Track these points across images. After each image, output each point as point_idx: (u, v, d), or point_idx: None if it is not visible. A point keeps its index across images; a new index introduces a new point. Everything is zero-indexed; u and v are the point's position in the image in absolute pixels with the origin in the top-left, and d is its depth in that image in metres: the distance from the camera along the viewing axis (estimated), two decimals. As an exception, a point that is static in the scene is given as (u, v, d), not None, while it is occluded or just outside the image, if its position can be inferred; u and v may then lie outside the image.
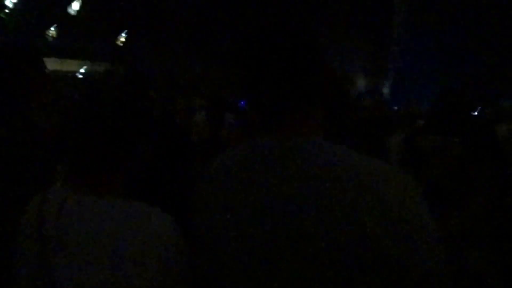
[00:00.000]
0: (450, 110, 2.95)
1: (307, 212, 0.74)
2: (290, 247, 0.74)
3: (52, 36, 18.77)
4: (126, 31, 17.99)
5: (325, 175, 0.75)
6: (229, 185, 0.87)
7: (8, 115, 1.78)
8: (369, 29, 14.46)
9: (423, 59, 14.43)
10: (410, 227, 0.69)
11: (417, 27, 14.52)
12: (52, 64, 19.18)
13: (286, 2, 14.67)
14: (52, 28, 18.77)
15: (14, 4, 16.11)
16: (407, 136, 3.24)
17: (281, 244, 0.75)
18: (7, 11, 16.01)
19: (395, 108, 13.51)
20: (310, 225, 0.72)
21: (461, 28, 13.57)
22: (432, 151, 2.80)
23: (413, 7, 14.44)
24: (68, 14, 18.08)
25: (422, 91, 14.13)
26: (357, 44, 14.30)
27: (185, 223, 1.01)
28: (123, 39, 18.07)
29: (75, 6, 17.86)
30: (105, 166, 1.12)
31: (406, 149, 3.09)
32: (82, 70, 18.92)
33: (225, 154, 0.99)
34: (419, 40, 14.40)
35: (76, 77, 18.44)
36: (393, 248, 0.68)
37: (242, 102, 16.60)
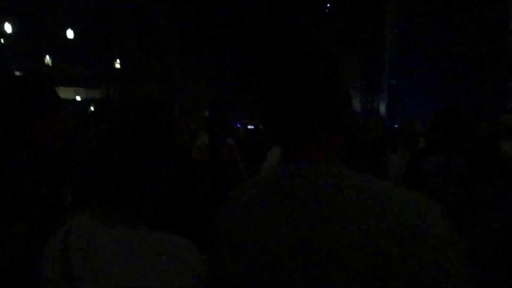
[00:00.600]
0: (451, 128, 2.86)
1: (336, 247, 0.71)
2: (320, 282, 0.72)
3: (47, 64, 18.91)
4: (120, 57, 18.06)
5: (349, 209, 0.72)
6: (254, 220, 0.84)
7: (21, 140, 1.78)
8: (362, 47, 14.57)
9: (417, 75, 14.43)
10: (435, 251, 0.67)
11: (410, 44, 14.61)
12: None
13: (279, 23, 14.82)
14: (47, 56, 18.91)
15: (12, 32, 16.28)
16: (410, 157, 3.07)
17: (311, 279, 0.73)
18: (2, 40, 16.15)
19: (396, 126, 13.43)
20: (339, 258, 0.71)
21: (454, 43, 13.64)
22: (435, 172, 2.69)
23: (405, 24, 14.60)
24: (63, 42, 18.23)
25: (419, 108, 14.09)
26: (350, 62, 14.30)
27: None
28: (118, 65, 18.12)
29: (70, 34, 18.05)
30: (134, 195, 1.07)
31: (409, 170, 2.90)
32: (78, 97, 18.89)
33: (245, 187, 0.93)
34: (413, 57, 14.45)
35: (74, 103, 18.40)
36: (420, 273, 0.66)
37: (238, 124, 16.53)
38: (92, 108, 19.33)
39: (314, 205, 0.75)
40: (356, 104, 15.34)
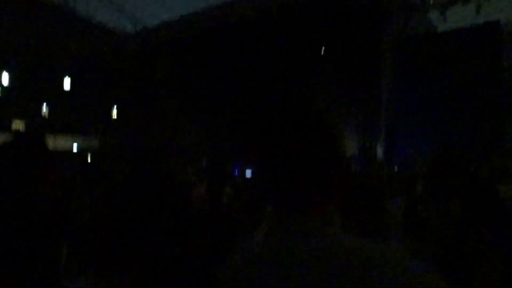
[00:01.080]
0: (449, 171, 2.80)
1: None
2: None
3: (44, 114, 18.91)
4: (116, 105, 18.16)
5: (337, 271, 0.76)
6: (258, 276, 0.86)
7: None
8: (358, 89, 14.72)
9: (414, 115, 14.49)
10: None
11: (405, 84, 14.76)
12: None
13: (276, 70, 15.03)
14: (44, 105, 18.95)
15: (8, 82, 16.40)
16: (408, 201, 3.02)
17: None
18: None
19: (395, 166, 13.32)
20: None
21: (449, 83, 13.78)
22: (434, 218, 2.65)
23: (400, 66, 14.80)
24: (60, 92, 18.34)
25: (417, 147, 14.04)
26: (347, 104, 14.45)
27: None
28: (114, 113, 18.18)
29: (66, 83, 18.19)
30: None
31: (407, 215, 2.88)
32: (74, 146, 18.82)
33: (246, 244, 0.98)
34: (409, 97, 14.55)
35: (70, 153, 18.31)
36: None
37: (236, 170, 16.38)
38: (89, 157, 19.26)
39: (305, 266, 0.78)
40: (354, 145, 15.32)
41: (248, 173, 12.33)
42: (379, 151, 15.29)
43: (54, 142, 18.86)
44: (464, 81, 13.89)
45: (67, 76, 17.61)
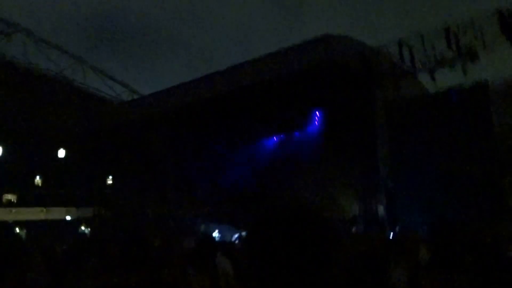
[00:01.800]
0: (452, 240, 2.99)
1: None
2: None
3: (37, 185, 18.63)
4: (112, 175, 17.96)
5: None
6: None
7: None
8: (357, 152, 14.86)
9: (412, 179, 14.48)
10: None
11: (402, 149, 14.89)
12: (36, 214, 18.71)
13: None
14: (37, 177, 18.69)
15: (1, 154, 16.24)
16: (412, 272, 3.04)
17: None
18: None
19: (396, 232, 13.06)
20: None
21: (444, 147, 13.94)
22: None
23: (395, 131, 15.04)
24: (54, 162, 18.15)
25: (417, 210, 13.92)
26: (347, 169, 14.55)
27: None
28: (110, 182, 17.93)
29: (61, 154, 18.02)
30: None
31: (412, 286, 2.90)
32: (68, 217, 18.33)
33: None
34: (406, 160, 14.63)
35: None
36: None
37: (236, 238, 15.98)
38: (83, 228, 18.73)
39: None
40: (355, 209, 15.16)
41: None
42: (380, 217, 15.14)
43: (47, 213, 18.38)
44: (457, 140, 14.09)
45: (62, 147, 17.55)
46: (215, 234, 14.55)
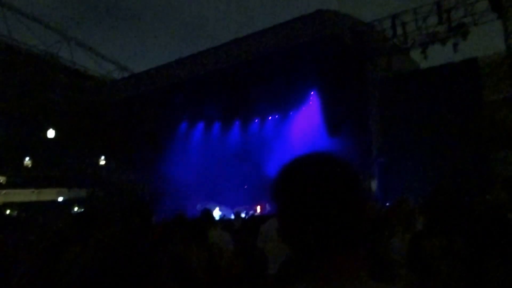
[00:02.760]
0: (447, 206, 2.93)
1: None
2: None
3: (27, 166, 18.27)
4: (104, 155, 17.75)
5: None
6: None
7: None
8: (349, 127, 15.09)
9: (404, 152, 14.84)
10: None
11: (394, 123, 15.19)
12: (27, 195, 18.40)
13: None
14: (27, 158, 18.34)
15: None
16: (411, 240, 3.12)
17: None
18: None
19: (387, 204, 13.40)
20: None
21: (435, 120, 14.27)
22: (438, 255, 2.75)
23: (387, 107, 15.30)
24: (44, 143, 17.82)
25: (410, 183, 14.25)
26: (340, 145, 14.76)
27: None
28: (102, 163, 17.73)
29: (51, 134, 17.70)
30: None
31: (412, 254, 2.97)
32: (60, 199, 18.12)
33: None
34: (398, 135, 14.95)
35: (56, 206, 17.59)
36: None
37: (225, 214, 16.14)
38: (76, 209, 18.53)
39: None
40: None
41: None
42: (373, 191, 15.51)
43: (38, 195, 18.13)
44: (448, 115, 14.44)
45: (51, 127, 17.21)
46: (215, 212, 14.76)
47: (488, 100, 14.77)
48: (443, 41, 14.54)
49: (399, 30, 14.80)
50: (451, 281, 2.67)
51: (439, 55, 14.95)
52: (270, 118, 18.18)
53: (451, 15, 14.31)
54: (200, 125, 18.87)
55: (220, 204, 15.74)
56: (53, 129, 17.55)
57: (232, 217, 12.51)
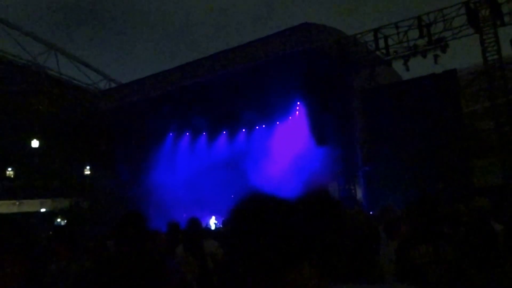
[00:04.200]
0: (433, 215, 3.02)
1: None
2: None
3: (9, 177, 18.00)
4: (89, 165, 17.61)
5: None
6: None
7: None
8: (335, 138, 15.39)
9: (388, 162, 15.15)
10: None
11: (377, 134, 15.54)
12: (8, 207, 18.02)
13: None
14: (9, 169, 18.06)
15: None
16: (399, 247, 3.19)
17: None
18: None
19: (371, 212, 13.61)
20: None
21: (416, 132, 14.66)
22: (426, 261, 2.83)
23: (370, 118, 15.67)
24: (27, 153, 17.59)
25: (394, 192, 14.49)
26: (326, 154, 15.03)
27: None
28: (87, 172, 17.57)
29: (35, 144, 17.50)
30: None
31: (399, 261, 3.05)
32: (43, 210, 17.80)
33: None
34: (382, 145, 15.29)
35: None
36: None
37: (218, 223, 16.14)
38: (59, 220, 18.23)
39: None
40: (333, 188, 15.63)
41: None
42: (359, 199, 15.76)
43: (20, 206, 17.82)
44: (429, 124, 14.85)
45: (35, 137, 17.03)
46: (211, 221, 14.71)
47: (467, 110, 15.32)
48: (423, 53, 15.07)
49: (382, 43, 15.28)
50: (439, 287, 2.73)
51: (420, 66, 15.48)
52: (256, 128, 18.38)
53: (431, 29, 14.88)
54: (187, 135, 18.94)
55: (206, 212, 15.74)
56: (38, 139, 17.35)
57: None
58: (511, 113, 13.96)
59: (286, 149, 16.30)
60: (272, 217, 0.95)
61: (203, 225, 12.50)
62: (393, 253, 3.24)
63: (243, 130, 18.58)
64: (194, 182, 17.11)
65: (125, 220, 2.65)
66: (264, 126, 18.14)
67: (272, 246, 0.91)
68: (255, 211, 0.97)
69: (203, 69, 16.14)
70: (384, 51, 15.43)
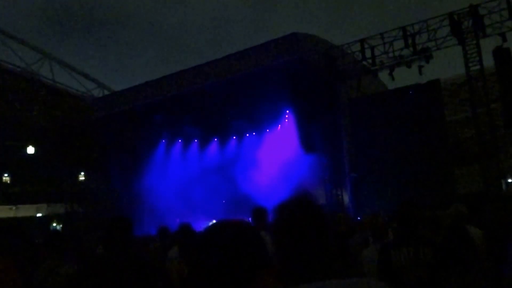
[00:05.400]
0: (414, 220, 3.17)
1: None
2: None
3: (6, 183, 18.34)
4: (84, 171, 17.98)
5: None
6: None
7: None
8: (323, 146, 15.81)
9: (374, 169, 15.56)
10: None
11: (364, 141, 15.94)
12: (5, 212, 18.41)
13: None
14: (5, 175, 18.40)
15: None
16: (380, 250, 3.30)
17: None
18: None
19: (358, 218, 14.05)
20: None
21: (402, 140, 15.05)
22: (406, 264, 2.96)
23: (357, 126, 16.06)
24: (22, 159, 17.90)
25: (380, 198, 14.87)
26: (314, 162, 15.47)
27: None
28: (82, 178, 17.95)
29: (30, 150, 17.81)
30: None
31: (381, 263, 3.16)
32: (39, 214, 18.20)
33: None
34: (368, 153, 15.70)
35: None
36: None
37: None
38: (54, 224, 18.65)
39: None
40: (321, 194, 16.05)
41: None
42: (346, 205, 16.15)
43: (17, 211, 18.17)
44: (413, 133, 15.24)
45: (31, 144, 17.38)
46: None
47: (450, 119, 15.76)
48: (408, 63, 15.47)
49: (368, 53, 15.65)
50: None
51: (405, 76, 15.91)
52: (247, 136, 18.80)
53: (415, 40, 15.26)
54: (179, 143, 19.37)
55: (198, 218, 16.15)
56: (33, 145, 17.69)
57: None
58: (491, 122, 14.41)
59: (275, 156, 16.71)
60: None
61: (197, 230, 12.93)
62: (376, 255, 3.35)
63: (234, 137, 19.00)
64: (185, 188, 17.53)
65: (112, 224, 2.72)
66: (254, 133, 18.54)
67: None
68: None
69: (194, 78, 16.49)
70: (370, 61, 15.81)
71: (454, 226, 4.31)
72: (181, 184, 17.60)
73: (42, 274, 3.05)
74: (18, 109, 17.43)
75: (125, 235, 2.67)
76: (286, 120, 17.45)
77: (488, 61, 14.79)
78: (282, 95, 15.63)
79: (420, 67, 15.35)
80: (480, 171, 14.70)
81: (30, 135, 17.78)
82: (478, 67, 14.57)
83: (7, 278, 1.52)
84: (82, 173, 17.96)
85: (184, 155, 19.18)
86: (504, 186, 14.64)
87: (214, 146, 19.16)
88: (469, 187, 15.08)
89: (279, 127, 17.71)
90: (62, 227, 17.93)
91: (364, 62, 15.96)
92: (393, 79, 15.82)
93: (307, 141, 15.94)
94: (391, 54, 15.66)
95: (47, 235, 4.04)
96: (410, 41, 15.25)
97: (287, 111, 17.17)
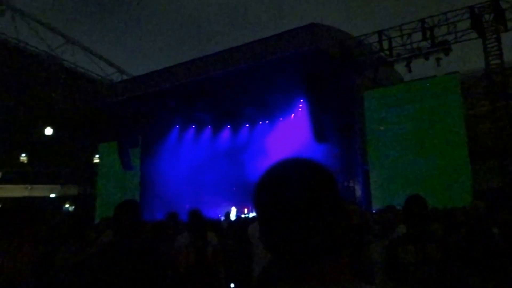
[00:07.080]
0: (423, 216, 3.06)
1: None
2: None
3: (23, 162, 18.70)
4: (98, 154, 18.22)
5: None
6: None
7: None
8: (337, 136, 15.68)
9: (386, 163, 15.30)
10: None
11: (377, 136, 15.73)
12: (21, 191, 18.80)
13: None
14: (23, 155, 18.76)
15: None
16: (388, 246, 3.19)
17: None
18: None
19: (373, 211, 13.76)
20: None
21: (414, 134, 14.80)
22: (413, 260, 2.89)
23: (371, 120, 15.89)
24: (40, 140, 18.25)
25: (391, 192, 14.57)
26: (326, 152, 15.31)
27: None
28: (96, 161, 18.20)
29: (48, 131, 18.16)
30: None
31: (387, 259, 3.08)
32: (52, 195, 18.50)
33: None
34: (381, 147, 15.47)
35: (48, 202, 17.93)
36: None
37: (219, 216, 16.49)
38: (67, 206, 18.91)
39: None
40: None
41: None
42: (357, 197, 15.90)
43: (31, 191, 18.49)
44: (430, 127, 14.96)
45: (49, 125, 17.76)
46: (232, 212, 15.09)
47: (468, 113, 15.39)
48: (426, 56, 15.27)
49: (385, 45, 15.53)
50: (425, 287, 2.78)
51: (422, 68, 15.69)
52: (260, 123, 18.78)
53: (434, 32, 15.08)
54: (192, 128, 19.50)
55: (209, 204, 16.13)
56: (51, 127, 18.05)
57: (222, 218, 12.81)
58: (510, 117, 14.03)
59: (287, 145, 16.62)
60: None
61: (215, 216, 12.89)
62: (385, 250, 3.24)
63: (247, 125, 19.00)
64: (196, 174, 17.59)
65: (121, 209, 2.68)
66: (267, 122, 18.52)
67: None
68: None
69: (210, 66, 16.64)
70: (387, 52, 15.69)
71: (477, 226, 4.08)
72: (191, 170, 17.66)
73: (62, 257, 3.01)
74: (38, 90, 17.87)
75: (133, 219, 2.61)
76: (300, 110, 17.37)
77: (509, 55, 14.55)
78: (297, 84, 15.62)
79: (438, 60, 15.11)
80: (498, 167, 14.28)
81: (48, 116, 18.18)
82: (498, 61, 14.29)
83: (23, 259, 1.50)
84: (97, 156, 18.20)
85: (196, 141, 19.27)
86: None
87: (226, 133, 19.20)
88: (486, 183, 14.61)
89: (292, 116, 17.64)
90: (74, 209, 18.16)
91: (381, 53, 15.83)
92: (409, 71, 15.64)
93: (320, 131, 15.79)
94: (408, 46, 15.51)
95: (66, 217, 4.01)
96: (428, 33, 15.09)
97: (301, 101, 17.10)
